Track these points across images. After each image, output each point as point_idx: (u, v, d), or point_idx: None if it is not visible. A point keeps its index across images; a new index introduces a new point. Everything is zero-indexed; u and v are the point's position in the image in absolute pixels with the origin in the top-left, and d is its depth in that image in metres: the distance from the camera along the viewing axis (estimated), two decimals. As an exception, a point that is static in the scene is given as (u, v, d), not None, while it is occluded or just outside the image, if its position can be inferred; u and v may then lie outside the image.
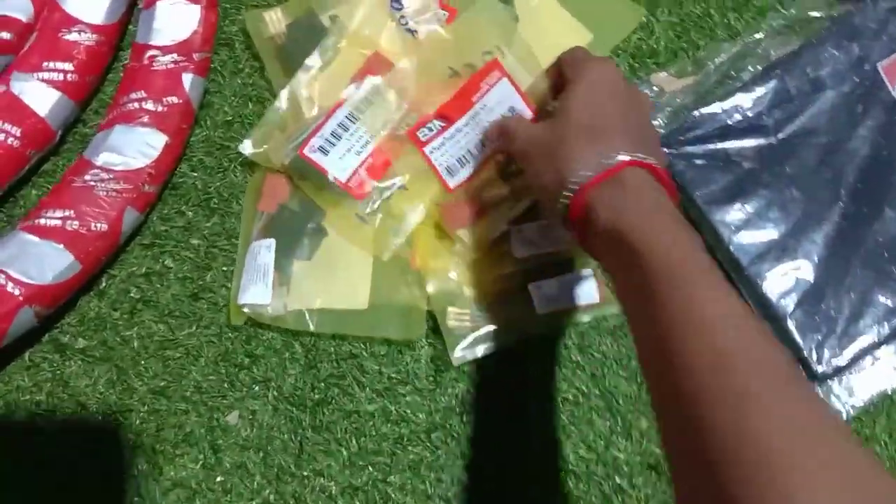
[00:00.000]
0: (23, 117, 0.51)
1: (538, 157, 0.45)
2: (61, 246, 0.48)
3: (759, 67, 0.60)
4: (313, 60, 0.55)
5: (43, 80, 0.52)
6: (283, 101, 0.54)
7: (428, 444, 0.51)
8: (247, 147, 0.54)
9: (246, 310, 0.52)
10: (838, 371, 0.52)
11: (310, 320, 0.52)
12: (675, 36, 0.62)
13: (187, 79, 0.54)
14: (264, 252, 0.53)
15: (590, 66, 0.45)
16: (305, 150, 0.52)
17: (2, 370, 0.51)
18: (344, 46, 0.55)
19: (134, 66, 0.53)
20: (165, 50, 0.53)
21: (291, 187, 0.55)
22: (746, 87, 0.58)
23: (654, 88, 0.60)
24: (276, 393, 0.52)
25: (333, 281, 0.53)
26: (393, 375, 0.52)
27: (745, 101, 0.58)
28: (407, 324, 0.53)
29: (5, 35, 0.53)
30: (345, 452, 0.51)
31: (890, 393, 0.53)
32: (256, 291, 0.52)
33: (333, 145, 0.52)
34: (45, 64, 0.52)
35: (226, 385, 0.52)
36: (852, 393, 0.53)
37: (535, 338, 0.53)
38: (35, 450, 0.50)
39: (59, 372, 0.52)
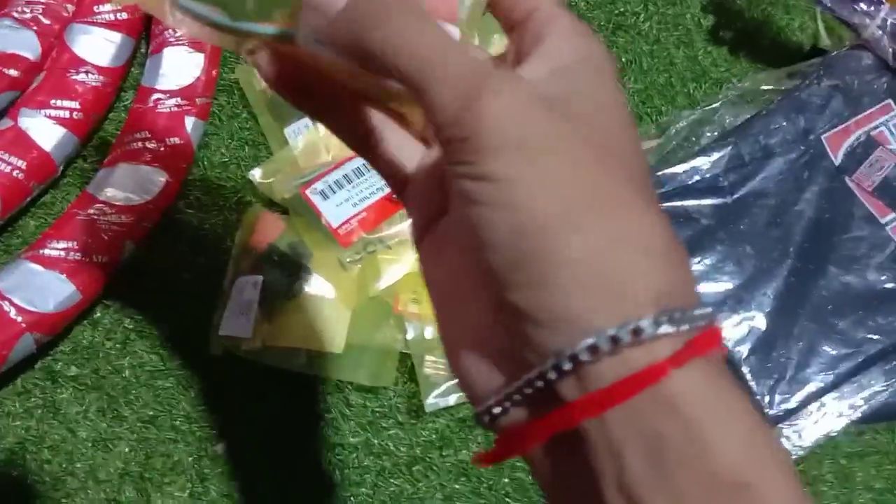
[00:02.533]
0: (28, 151, 0.53)
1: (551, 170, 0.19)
2: (63, 276, 0.50)
3: (716, 134, 0.65)
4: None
5: (49, 117, 0.54)
6: (299, 142, 0.58)
7: (409, 477, 0.54)
8: (256, 175, 0.57)
9: (225, 342, 0.54)
10: (788, 414, 0.57)
11: (285, 358, 0.54)
12: (641, 101, 0.67)
13: (189, 121, 0.56)
14: (250, 288, 0.56)
15: (595, 42, 0.21)
16: (307, 191, 0.55)
17: (-7, 396, 0.52)
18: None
19: (139, 107, 0.56)
20: (170, 94, 0.56)
21: (283, 228, 0.58)
22: (704, 152, 0.64)
23: (622, 149, 0.65)
24: (263, 424, 0.54)
25: (312, 322, 0.56)
26: (377, 409, 0.55)
27: (703, 164, 0.63)
28: (378, 371, 0.55)
29: (13, 72, 0.55)
30: (328, 484, 0.53)
31: (834, 436, 0.58)
32: (238, 324, 0.55)
33: (334, 192, 0.55)
34: (52, 101, 0.55)
35: (215, 415, 0.54)
36: (800, 436, 0.57)
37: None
38: (24, 476, 0.51)
39: (50, 399, 0.53)
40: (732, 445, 0.17)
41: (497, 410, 0.19)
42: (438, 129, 0.19)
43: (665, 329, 0.17)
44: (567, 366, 0.17)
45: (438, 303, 0.23)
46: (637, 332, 0.17)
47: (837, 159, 0.64)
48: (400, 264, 0.57)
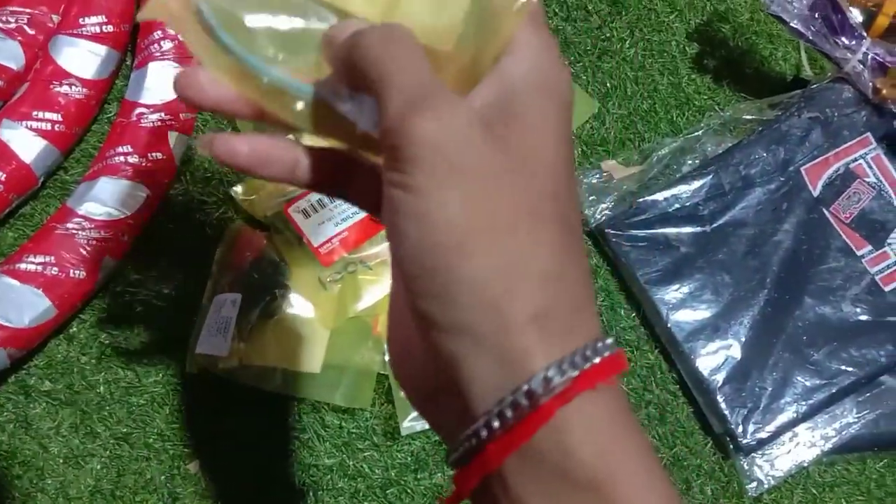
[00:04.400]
0: (8, 163, 0.53)
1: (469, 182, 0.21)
2: (40, 290, 0.50)
3: (698, 162, 0.66)
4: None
5: (31, 129, 0.54)
6: None
7: (383, 500, 0.54)
8: (238, 191, 0.57)
9: (201, 359, 0.54)
10: (761, 444, 0.57)
11: (261, 377, 0.54)
12: (624, 127, 0.68)
13: (172, 136, 0.56)
14: (229, 305, 0.56)
15: (552, 65, 0.23)
16: (290, 209, 0.55)
17: (-36, 410, 0.52)
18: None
19: (122, 121, 0.56)
20: (153, 108, 0.56)
21: (264, 245, 0.57)
22: (685, 180, 0.64)
23: (604, 173, 0.66)
24: (237, 444, 0.54)
25: (290, 342, 0.56)
26: (352, 430, 0.55)
27: (683, 192, 0.64)
28: (355, 393, 0.55)
29: (-4, 82, 0.55)
30: (300, 504, 0.53)
31: (806, 466, 0.58)
32: (215, 342, 0.54)
33: (316, 211, 0.55)
34: (34, 113, 0.54)
35: (189, 434, 0.53)
36: (773, 465, 0.58)
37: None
38: (-8, 491, 0.51)
39: (23, 413, 0.52)
40: (589, 448, 0.20)
41: (453, 457, 0.22)
42: (382, 132, 0.21)
43: (556, 380, 0.20)
44: (483, 423, 0.20)
45: (389, 311, 0.25)
46: (530, 394, 0.20)
47: (816, 191, 0.64)
48: (380, 285, 0.57)
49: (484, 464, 0.21)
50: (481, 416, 0.20)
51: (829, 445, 0.58)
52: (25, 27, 0.56)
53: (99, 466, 0.52)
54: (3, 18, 0.56)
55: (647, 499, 0.20)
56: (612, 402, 0.21)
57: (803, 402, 0.58)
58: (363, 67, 0.22)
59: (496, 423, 0.20)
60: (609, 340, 0.21)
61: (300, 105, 0.25)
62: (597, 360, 0.20)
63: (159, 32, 0.57)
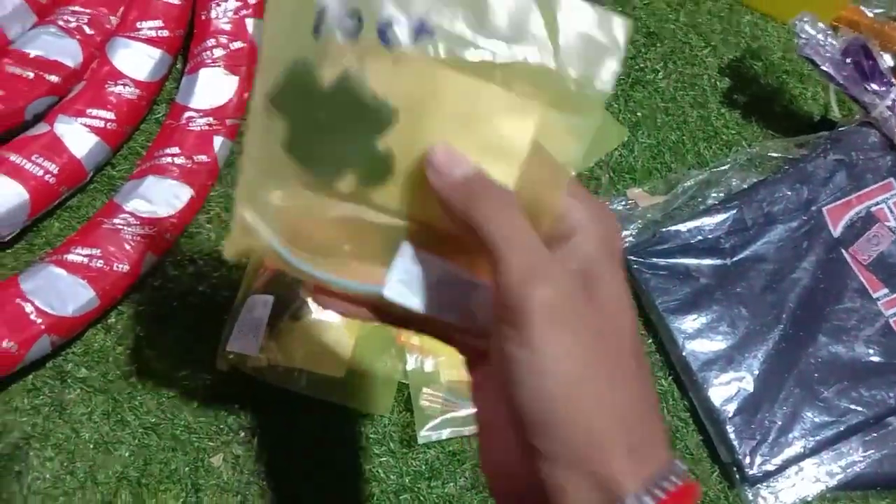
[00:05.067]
0: (60, 157, 0.55)
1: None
2: (85, 282, 0.52)
3: (722, 195, 0.68)
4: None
5: (84, 126, 0.56)
6: None
7: (396, 504, 0.56)
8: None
9: (231, 357, 0.56)
10: (767, 476, 0.58)
11: (287, 378, 0.56)
12: (652, 157, 0.70)
13: (218, 140, 0.59)
14: (261, 307, 0.58)
15: (611, 228, 0.28)
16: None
17: (4, 390, 0.54)
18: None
19: (172, 123, 0.58)
20: (202, 113, 0.58)
21: (298, 250, 0.59)
22: (709, 213, 0.66)
23: (630, 201, 0.68)
24: (260, 441, 0.56)
25: (316, 346, 0.57)
26: (371, 436, 0.57)
27: (706, 225, 0.65)
28: (376, 399, 0.57)
29: (54, 78, 0.57)
30: None
31: (810, 500, 0.59)
32: (245, 342, 0.56)
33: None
34: (88, 111, 0.57)
35: (214, 428, 0.55)
36: (777, 497, 0.59)
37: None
38: (26, 471, 0.53)
39: (58, 398, 0.54)
40: None
41: None
42: (501, 291, 0.25)
43: (647, 500, 0.24)
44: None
45: (480, 424, 0.30)
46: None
47: (837, 231, 0.66)
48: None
49: None
50: None
51: (833, 482, 0.60)
52: (85, 27, 0.58)
53: (127, 454, 0.54)
54: (64, 18, 0.58)
55: None
56: None
57: (811, 438, 0.59)
58: (482, 231, 0.26)
59: None
60: (684, 467, 0.26)
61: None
62: (678, 481, 0.25)
63: (212, 40, 0.59)
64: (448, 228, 0.28)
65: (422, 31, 0.27)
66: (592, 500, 0.24)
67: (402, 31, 0.27)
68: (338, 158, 0.28)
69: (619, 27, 0.27)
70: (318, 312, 0.58)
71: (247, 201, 0.30)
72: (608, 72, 0.27)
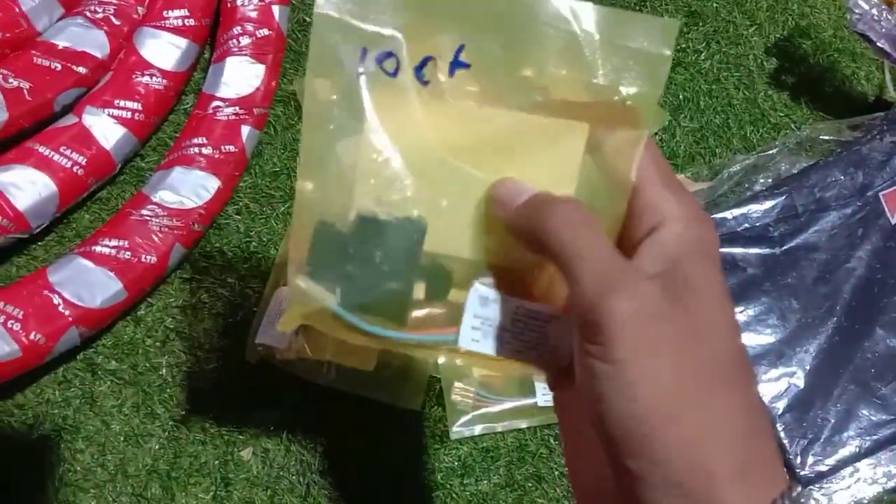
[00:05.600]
0: (89, 148, 0.55)
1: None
2: (112, 273, 0.51)
3: (770, 181, 0.64)
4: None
5: (112, 117, 0.56)
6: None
7: (427, 503, 0.54)
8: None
9: (260, 349, 0.55)
10: (820, 476, 0.55)
11: (317, 371, 0.55)
12: (695, 141, 0.67)
13: (245, 130, 0.58)
14: (290, 297, 0.57)
15: (704, 227, 0.25)
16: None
17: (35, 382, 0.54)
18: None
19: (199, 113, 0.57)
20: (229, 102, 0.57)
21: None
22: (757, 199, 0.63)
23: (672, 188, 0.65)
24: (290, 435, 0.55)
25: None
26: (401, 430, 0.55)
27: (754, 212, 0.62)
28: (407, 394, 0.55)
29: (81, 69, 0.57)
30: (345, 501, 0.54)
31: (865, 503, 0.56)
32: (274, 334, 0.55)
33: (380, 213, 0.56)
34: (116, 102, 0.56)
35: (244, 421, 0.55)
36: (831, 499, 0.56)
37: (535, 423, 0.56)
38: (57, 463, 0.53)
39: (88, 390, 0.54)
40: None
41: None
42: (577, 307, 0.24)
43: None
44: None
45: (566, 442, 0.28)
46: None
47: (894, 218, 0.62)
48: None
49: None
50: None
51: (891, 483, 0.56)
52: (112, 17, 0.58)
53: (157, 447, 0.54)
54: (91, 8, 0.58)
55: None
56: None
57: (867, 437, 0.56)
58: (552, 248, 0.24)
59: None
60: (798, 491, 0.23)
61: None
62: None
63: (238, 28, 0.58)
64: (520, 265, 0.28)
65: (457, 65, 0.27)
66: None
67: (439, 67, 0.27)
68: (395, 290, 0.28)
69: (668, 30, 0.26)
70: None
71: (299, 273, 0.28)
72: (657, 81, 0.26)
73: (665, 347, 0.23)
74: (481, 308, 0.27)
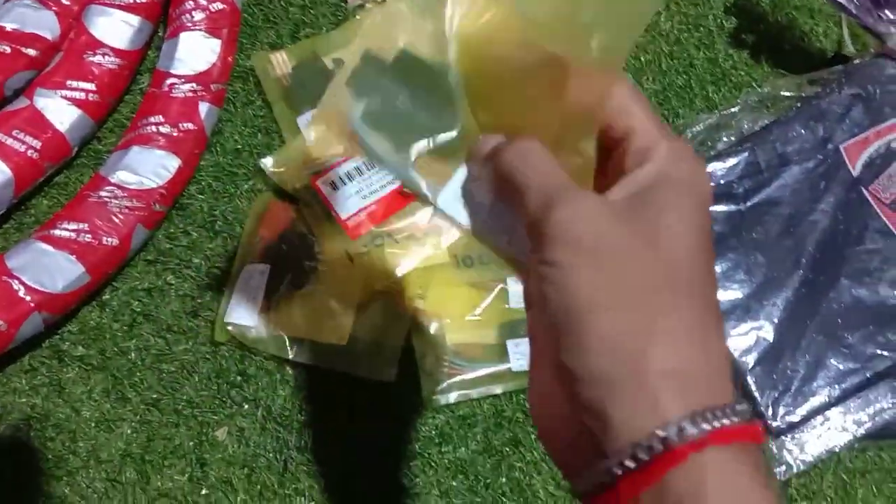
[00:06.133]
0: (43, 131, 0.54)
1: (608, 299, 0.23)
2: (73, 257, 0.50)
3: (733, 139, 0.65)
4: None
5: (65, 98, 0.55)
6: (311, 132, 0.58)
7: (406, 471, 0.54)
8: (268, 164, 0.57)
9: (230, 328, 0.55)
10: (791, 427, 0.56)
11: (289, 348, 0.54)
12: (658, 103, 0.67)
13: (203, 107, 0.57)
14: (258, 276, 0.56)
15: (689, 168, 0.25)
16: (318, 181, 0.55)
17: (0, 372, 0.53)
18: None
19: (154, 91, 0.56)
20: (185, 79, 0.56)
21: (293, 217, 0.58)
22: (720, 157, 0.63)
23: (637, 150, 0.65)
24: (265, 412, 0.54)
25: (317, 313, 0.56)
26: (377, 403, 0.55)
27: (718, 170, 0.62)
28: (380, 365, 0.55)
29: (31, 52, 0.56)
30: (325, 475, 0.54)
31: (837, 451, 0.57)
32: (243, 312, 0.55)
33: (344, 184, 0.55)
34: (68, 83, 0.55)
35: (217, 401, 0.54)
36: (803, 449, 0.57)
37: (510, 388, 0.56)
38: (27, 452, 0.52)
39: (56, 378, 0.53)
40: (722, 498, 0.21)
41: (581, 488, 0.24)
42: (528, 227, 0.25)
43: (689, 430, 0.21)
44: (616, 461, 0.22)
45: (532, 378, 0.27)
46: (664, 440, 0.21)
47: (855, 170, 0.63)
48: (407, 259, 0.57)
49: (615, 497, 0.22)
50: (614, 455, 0.22)
51: (861, 431, 0.57)
52: (60, -3, 0.56)
53: (129, 431, 0.53)
54: (39, -12, 0.56)
55: None
56: (748, 462, 0.22)
57: (836, 386, 0.57)
58: (508, 178, 0.26)
59: (629, 463, 0.21)
60: (744, 407, 0.22)
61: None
62: (730, 421, 0.22)
63: (191, 2, 0.57)
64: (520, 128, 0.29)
65: None
66: (630, 422, 0.22)
67: None
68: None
69: None
70: (318, 280, 0.56)
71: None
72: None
73: (600, 251, 0.23)
74: (471, 180, 0.29)
